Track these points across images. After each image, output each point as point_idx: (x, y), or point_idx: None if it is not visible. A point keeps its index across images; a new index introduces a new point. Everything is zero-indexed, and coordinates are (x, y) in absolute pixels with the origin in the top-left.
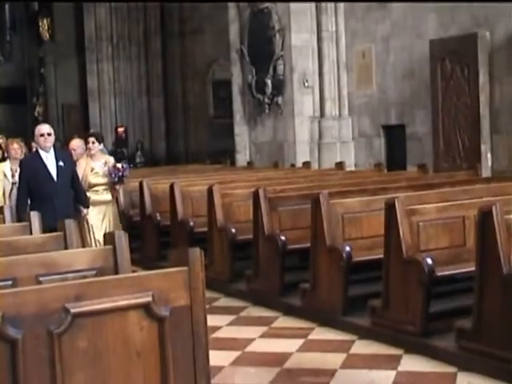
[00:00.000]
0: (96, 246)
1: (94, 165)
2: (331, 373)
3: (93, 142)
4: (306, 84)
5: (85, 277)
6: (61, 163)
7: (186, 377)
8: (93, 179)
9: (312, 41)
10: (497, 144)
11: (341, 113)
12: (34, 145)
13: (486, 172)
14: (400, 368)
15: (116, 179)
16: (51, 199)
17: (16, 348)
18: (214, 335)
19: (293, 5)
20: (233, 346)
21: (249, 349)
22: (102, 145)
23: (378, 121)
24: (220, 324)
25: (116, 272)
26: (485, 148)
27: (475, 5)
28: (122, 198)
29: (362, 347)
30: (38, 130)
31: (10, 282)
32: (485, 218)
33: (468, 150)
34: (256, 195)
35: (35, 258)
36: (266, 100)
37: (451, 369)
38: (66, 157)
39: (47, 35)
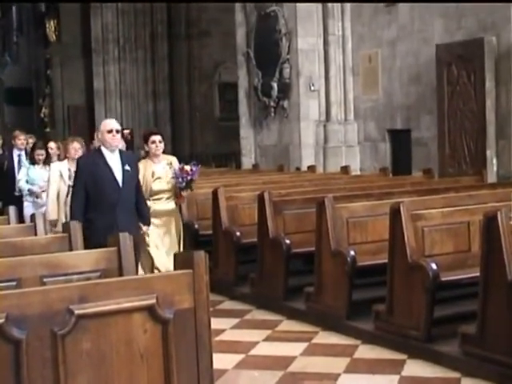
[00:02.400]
0: (151, 271)
1: (155, 168)
2: (335, 377)
3: (160, 142)
4: (312, 88)
5: (89, 278)
6: (127, 167)
7: (190, 379)
8: (155, 185)
9: (318, 45)
10: (502, 149)
11: (346, 117)
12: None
13: (491, 177)
14: (403, 373)
15: (184, 184)
16: (113, 210)
17: (20, 349)
18: (218, 338)
19: (299, 9)
20: (236, 349)
21: (252, 352)
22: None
23: (384, 125)
24: (224, 327)
25: (120, 274)
26: (490, 153)
27: (482, 10)
28: (184, 208)
29: (366, 352)
30: (105, 126)
31: (14, 283)
32: (490, 223)
33: (474, 156)
34: (261, 198)
35: (40, 258)
36: (272, 103)
37: (455, 374)
38: (132, 160)
39: (54, 37)
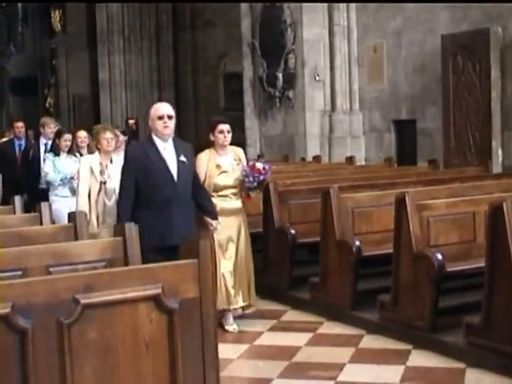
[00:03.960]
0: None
1: (221, 160)
2: (340, 367)
3: (228, 131)
4: (317, 78)
5: (95, 268)
6: (182, 158)
7: (195, 369)
8: (220, 180)
9: (324, 35)
10: (508, 140)
11: (352, 107)
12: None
13: (496, 168)
14: (408, 363)
15: (254, 184)
16: (168, 208)
17: (25, 338)
18: None
19: None
20: (241, 339)
21: (257, 342)
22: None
23: (389, 116)
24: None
25: (126, 263)
26: (496, 144)
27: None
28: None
29: (371, 342)
30: (155, 111)
31: (20, 273)
32: (495, 213)
33: (479, 146)
34: (266, 188)
35: (45, 248)
36: (277, 94)
37: (460, 364)
38: (187, 149)
39: (59, 27)
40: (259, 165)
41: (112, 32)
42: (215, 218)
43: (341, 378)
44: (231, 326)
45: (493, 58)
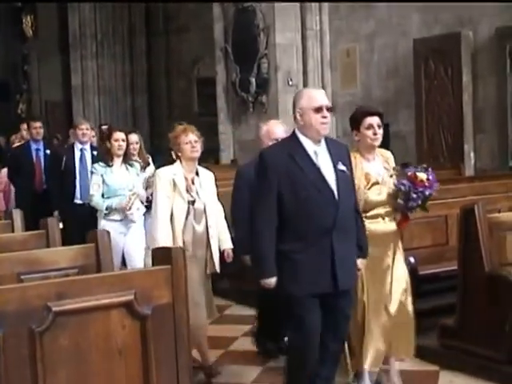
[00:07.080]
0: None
1: (369, 168)
2: None
3: (379, 126)
4: (290, 83)
5: (67, 275)
6: (341, 166)
7: (169, 375)
8: (373, 195)
9: (296, 39)
10: (480, 143)
11: None
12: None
13: (469, 171)
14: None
15: (418, 202)
16: (326, 237)
17: None
18: None
19: (277, 3)
20: (216, 345)
21: (232, 347)
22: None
23: None
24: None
25: (98, 270)
26: (468, 147)
27: (459, 4)
28: None
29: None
30: (310, 100)
31: None
32: (467, 216)
33: (451, 149)
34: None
35: (17, 255)
36: (250, 98)
37: (433, 367)
38: (344, 152)
39: (31, 32)
40: (421, 175)
41: (84, 37)
42: (365, 255)
43: None
44: None
45: (464, 62)
